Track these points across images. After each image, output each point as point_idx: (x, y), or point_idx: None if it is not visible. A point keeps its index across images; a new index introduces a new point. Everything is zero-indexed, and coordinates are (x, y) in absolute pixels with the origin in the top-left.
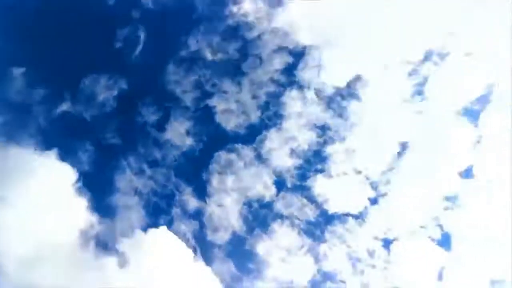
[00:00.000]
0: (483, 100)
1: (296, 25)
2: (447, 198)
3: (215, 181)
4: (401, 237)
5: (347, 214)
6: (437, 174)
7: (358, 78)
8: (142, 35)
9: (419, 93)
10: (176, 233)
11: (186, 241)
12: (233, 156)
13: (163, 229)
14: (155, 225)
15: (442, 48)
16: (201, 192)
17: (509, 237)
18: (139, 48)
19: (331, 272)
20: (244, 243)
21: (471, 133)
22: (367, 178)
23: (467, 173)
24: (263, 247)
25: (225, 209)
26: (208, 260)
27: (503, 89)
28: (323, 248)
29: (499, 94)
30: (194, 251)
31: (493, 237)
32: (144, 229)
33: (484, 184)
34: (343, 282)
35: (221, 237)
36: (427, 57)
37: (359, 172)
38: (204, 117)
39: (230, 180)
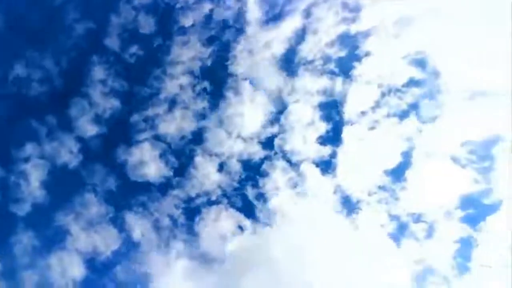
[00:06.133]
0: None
1: None
2: (248, 168)
3: (17, 149)
4: (203, 207)
5: (150, 183)
6: (237, 143)
7: (158, 47)
8: None
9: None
10: None
11: None
12: (35, 123)
13: None
14: None
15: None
16: (3, 161)
17: None
18: None
19: (136, 241)
20: (46, 214)
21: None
22: (170, 147)
23: (267, 143)
24: (66, 217)
25: (27, 179)
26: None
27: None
28: (127, 217)
29: None
30: None
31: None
32: None
33: (284, 153)
34: (149, 252)
35: (22, 208)
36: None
37: (161, 141)
38: (4, 85)
39: (33, 148)
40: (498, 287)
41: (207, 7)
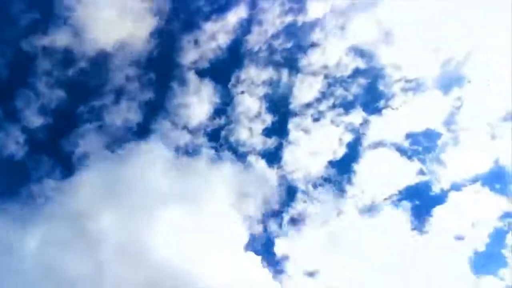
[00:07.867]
0: None
1: None
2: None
3: None
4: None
5: None
6: (183, 135)
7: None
8: None
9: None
10: None
11: None
12: None
13: None
14: None
15: None
16: None
17: None
18: None
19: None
20: None
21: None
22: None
23: (214, 135)
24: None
25: None
26: None
27: None
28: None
29: None
30: None
31: None
32: None
33: (231, 144)
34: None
35: None
36: None
37: (107, 132)
38: None
39: None
40: (445, 276)
41: None
